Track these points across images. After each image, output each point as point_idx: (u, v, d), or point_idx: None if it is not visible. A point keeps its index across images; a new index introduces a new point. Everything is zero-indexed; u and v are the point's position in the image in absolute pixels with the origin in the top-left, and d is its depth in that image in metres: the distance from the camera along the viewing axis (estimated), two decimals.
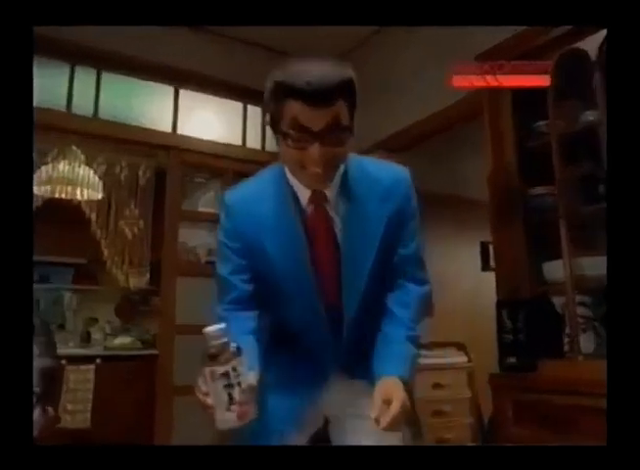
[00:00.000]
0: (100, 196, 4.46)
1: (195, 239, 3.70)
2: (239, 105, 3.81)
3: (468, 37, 2.68)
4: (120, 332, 5.80)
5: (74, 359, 4.66)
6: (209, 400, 1.15)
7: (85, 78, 3.29)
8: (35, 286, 5.63)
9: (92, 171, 4.32)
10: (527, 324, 1.99)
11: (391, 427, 1.17)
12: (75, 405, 4.61)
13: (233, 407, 1.11)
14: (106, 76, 3.36)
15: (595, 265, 1.95)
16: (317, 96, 1.20)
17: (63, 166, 4.12)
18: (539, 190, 2.19)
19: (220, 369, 1.10)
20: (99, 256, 4.65)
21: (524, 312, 2.01)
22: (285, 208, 1.39)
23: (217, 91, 3.69)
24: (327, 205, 1.38)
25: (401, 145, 3.54)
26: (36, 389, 2.04)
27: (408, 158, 3.78)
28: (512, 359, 2.03)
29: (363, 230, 1.37)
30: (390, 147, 3.57)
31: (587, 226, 2.10)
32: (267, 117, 1.33)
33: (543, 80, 2.06)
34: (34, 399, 2.01)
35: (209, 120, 3.69)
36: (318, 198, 1.37)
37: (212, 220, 3.58)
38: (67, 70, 3.25)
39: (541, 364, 1.99)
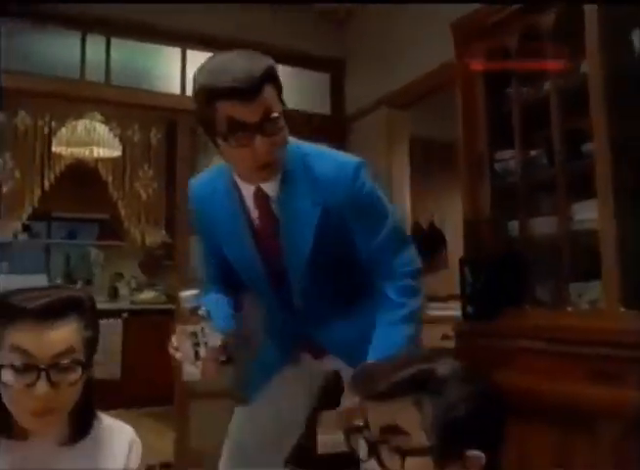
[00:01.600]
0: (116, 153, 4.64)
1: None
2: None
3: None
4: (145, 287, 6.09)
5: (103, 313, 4.93)
6: (178, 355, 1.32)
7: (96, 46, 3.41)
8: (64, 242, 5.93)
9: (108, 129, 4.49)
10: (488, 277, 2.13)
11: None
12: (106, 357, 4.92)
13: (197, 363, 1.28)
14: (115, 43, 3.47)
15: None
16: (246, 90, 1.25)
17: (80, 128, 4.30)
18: (505, 154, 2.29)
19: (190, 328, 1.26)
20: (118, 215, 4.87)
21: (485, 267, 2.16)
22: (232, 203, 1.47)
23: (222, 50, 3.77)
24: (269, 201, 1.43)
25: (404, 101, 3.61)
26: None
27: (415, 112, 3.86)
28: (470, 308, 2.17)
29: (300, 223, 1.42)
30: (394, 103, 3.64)
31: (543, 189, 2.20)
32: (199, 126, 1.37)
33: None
34: None
35: None
36: (261, 195, 1.43)
37: None
38: (78, 39, 3.38)
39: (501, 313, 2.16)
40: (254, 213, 1.47)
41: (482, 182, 2.30)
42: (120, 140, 4.50)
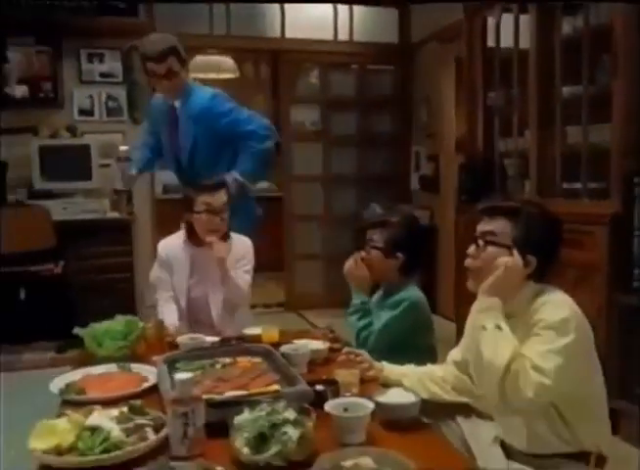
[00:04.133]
0: (236, 75, 5.99)
1: (302, 114, 5.19)
2: (329, 7, 5.01)
3: None
4: None
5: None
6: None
7: (218, 7, 4.70)
8: None
9: (228, 57, 5.82)
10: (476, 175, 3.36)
11: None
12: None
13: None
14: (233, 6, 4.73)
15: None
16: (156, 57, 2.70)
17: (211, 59, 5.66)
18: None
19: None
20: None
21: (473, 169, 3.38)
22: (162, 112, 2.96)
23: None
24: (177, 110, 2.88)
25: (451, 35, 4.61)
26: None
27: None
28: (464, 197, 3.43)
29: (191, 129, 2.87)
30: (443, 37, 4.66)
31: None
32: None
33: None
34: None
35: (307, 24, 4.96)
36: (173, 106, 2.88)
37: (311, 101, 5.09)
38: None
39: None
40: (168, 118, 2.94)
41: (477, 113, 3.47)
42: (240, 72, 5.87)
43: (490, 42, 3.46)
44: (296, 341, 2.26)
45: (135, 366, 2.04)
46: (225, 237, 2.56)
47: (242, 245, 2.63)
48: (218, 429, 1.39)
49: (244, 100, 6.13)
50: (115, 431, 1.42)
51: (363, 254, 2.26)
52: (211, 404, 1.46)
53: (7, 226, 3.46)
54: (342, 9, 5.04)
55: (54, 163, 3.95)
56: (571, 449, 1.52)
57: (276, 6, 4.85)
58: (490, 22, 3.48)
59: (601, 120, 2.69)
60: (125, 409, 1.51)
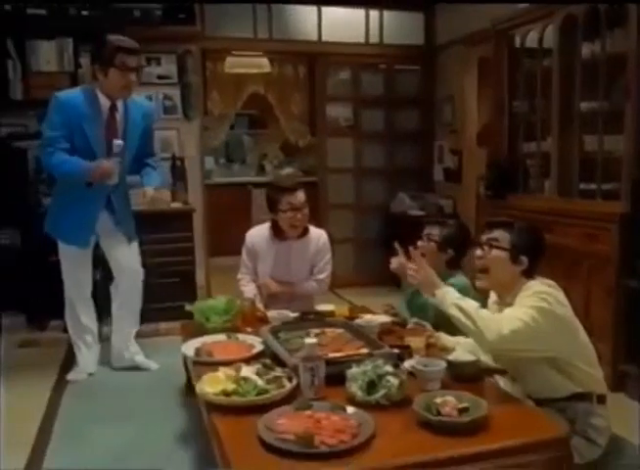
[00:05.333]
0: (269, 70, 6.44)
1: (336, 111, 5.66)
2: (361, 11, 5.45)
3: None
4: (286, 164, 8.06)
5: (256, 185, 6.98)
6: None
7: (261, 13, 5.14)
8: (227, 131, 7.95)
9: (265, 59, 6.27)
10: (500, 174, 3.85)
11: None
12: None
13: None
14: (275, 9, 5.17)
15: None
16: (133, 50, 3.00)
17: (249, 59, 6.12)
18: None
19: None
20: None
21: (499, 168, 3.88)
22: (94, 109, 3.06)
23: (345, 3, 5.37)
24: (116, 112, 3.11)
25: (475, 41, 5.05)
26: None
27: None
28: (489, 192, 3.93)
29: (132, 129, 3.17)
30: (467, 42, 5.10)
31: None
32: (97, 61, 3.05)
33: None
34: None
35: (342, 28, 5.40)
36: (114, 107, 3.09)
37: (344, 99, 5.59)
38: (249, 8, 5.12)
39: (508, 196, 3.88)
40: (104, 116, 3.11)
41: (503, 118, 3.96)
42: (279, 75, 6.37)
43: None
44: (362, 315, 2.80)
45: (240, 336, 2.57)
46: (305, 231, 3.08)
47: (318, 239, 3.14)
48: (333, 379, 1.93)
49: (283, 98, 6.71)
50: (259, 381, 1.94)
51: (420, 243, 2.76)
52: (329, 362, 1.98)
53: None
54: (374, 14, 5.48)
55: None
56: (577, 390, 2.04)
57: (314, 11, 5.29)
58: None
59: (614, 132, 3.16)
60: (260, 366, 2.03)
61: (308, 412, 1.74)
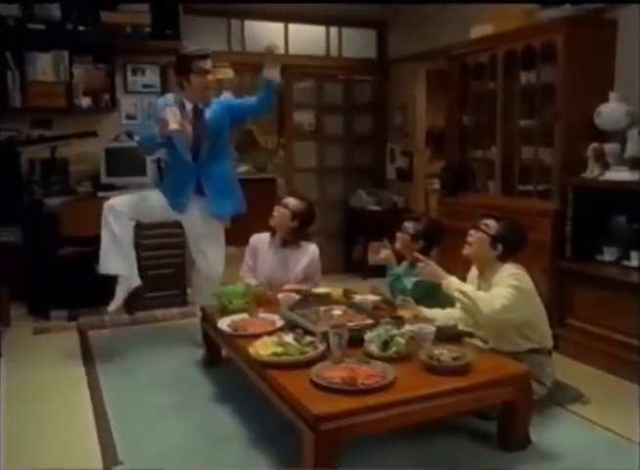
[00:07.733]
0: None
1: (301, 117, 6.26)
2: (322, 29, 6.06)
3: None
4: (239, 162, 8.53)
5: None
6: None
7: (236, 26, 5.66)
8: None
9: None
10: (454, 176, 4.59)
11: None
12: None
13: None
14: (247, 24, 5.69)
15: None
16: (206, 55, 3.49)
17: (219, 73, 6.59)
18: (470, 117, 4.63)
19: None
20: None
21: (452, 171, 4.63)
22: (179, 110, 3.45)
23: (309, 22, 5.95)
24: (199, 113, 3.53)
25: (425, 58, 5.76)
26: None
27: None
28: (444, 191, 4.69)
29: (215, 122, 3.59)
30: (416, 58, 5.80)
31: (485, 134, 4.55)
32: (180, 72, 3.54)
33: None
34: None
35: (306, 43, 5.99)
36: (197, 107, 3.54)
37: (308, 106, 6.16)
38: (224, 23, 5.62)
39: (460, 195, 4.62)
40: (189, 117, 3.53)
41: (455, 130, 4.69)
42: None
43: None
44: (354, 295, 3.45)
45: (260, 314, 3.16)
46: (299, 244, 3.77)
47: (312, 252, 3.81)
48: (352, 342, 2.57)
49: None
50: (298, 345, 2.55)
51: (398, 234, 3.45)
52: (350, 329, 2.61)
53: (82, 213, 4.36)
54: (334, 30, 6.12)
55: (116, 161, 4.86)
56: (533, 346, 2.79)
57: (281, 27, 5.86)
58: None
59: (546, 145, 3.93)
60: (295, 335, 2.64)
61: (343, 365, 2.38)
